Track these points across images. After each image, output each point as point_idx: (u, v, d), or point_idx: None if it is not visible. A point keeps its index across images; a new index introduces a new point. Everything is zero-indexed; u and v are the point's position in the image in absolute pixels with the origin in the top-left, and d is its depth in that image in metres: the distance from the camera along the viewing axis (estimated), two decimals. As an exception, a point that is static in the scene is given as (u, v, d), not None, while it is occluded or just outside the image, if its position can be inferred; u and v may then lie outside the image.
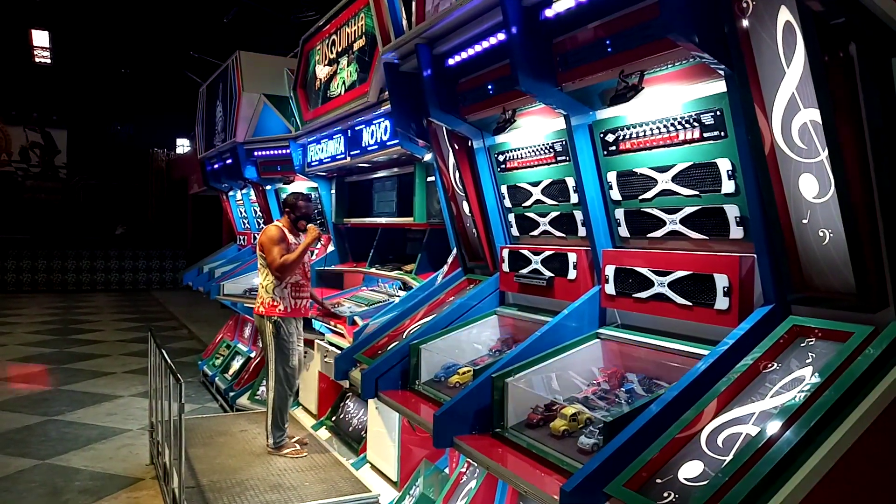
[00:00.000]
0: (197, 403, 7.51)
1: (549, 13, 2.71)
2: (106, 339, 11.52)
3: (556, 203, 3.30)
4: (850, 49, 1.82)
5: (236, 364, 7.75)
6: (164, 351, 4.79)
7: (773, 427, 1.74)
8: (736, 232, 2.39)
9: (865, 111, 1.84)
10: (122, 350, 10.54)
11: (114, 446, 5.97)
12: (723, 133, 2.36)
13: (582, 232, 3.17)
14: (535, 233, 3.52)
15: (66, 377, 8.62)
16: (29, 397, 7.61)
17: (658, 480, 1.82)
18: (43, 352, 10.33)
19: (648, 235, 2.77)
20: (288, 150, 6.96)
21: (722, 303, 2.37)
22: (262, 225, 8.51)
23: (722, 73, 2.18)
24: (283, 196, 6.42)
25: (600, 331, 2.92)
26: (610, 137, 2.82)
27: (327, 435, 5.57)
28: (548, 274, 3.31)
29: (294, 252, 5.00)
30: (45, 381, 8.40)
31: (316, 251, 6.50)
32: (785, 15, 1.92)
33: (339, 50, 5.80)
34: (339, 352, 4.52)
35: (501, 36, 3.03)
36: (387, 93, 4.61)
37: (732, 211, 2.38)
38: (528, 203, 3.49)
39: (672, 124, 2.54)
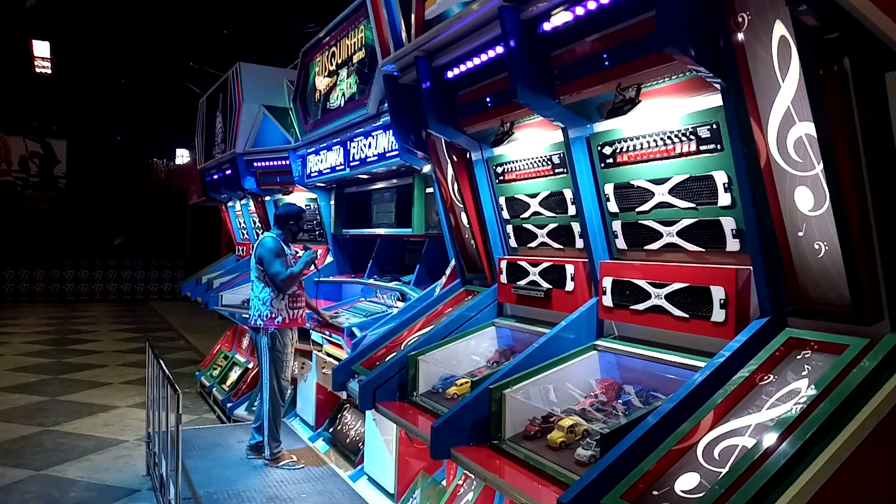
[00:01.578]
0: (194, 414, 7.49)
1: (546, 27, 2.73)
2: (103, 350, 11.49)
3: (553, 215, 3.32)
4: (845, 63, 1.84)
5: (234, 375, 7.73)
6: (161, 361, 4.78)
7: (770, 439, 1.74)
8: (732, 244, 2.40)
9: (860, 125, 1.86)
10: (120, 360, 10.51)
11: (110, 457, 5.94)
12: (719, 146, 2.37)
13: (579, 244, 3.18)
14: (533, 244, 3.53)
15: (62, 387, 8.59)
16: (25, 407, 7.58)
17: (655, 492, 1.82)
18: (40, 362, 10.30)
19: (645, 247, 2.78)
20: (287, 161, 6.98)
21: (718, 315, 2.38)
22: (260, 235, 8.51)
23: (718, 86, 2.20)
24: (280, 206, 6.44)
25: (598, 342, 2.93)
26: (607, 150, 2.84)
27: (324, 446, 5.55)
28: (545, 285, 3.32)
29: (296, 267, 5.07)
30: (42, 391, 8.37)
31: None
32: (780, 29, 1.94)
33: (339, 62, 5.83)
34: (336, 363, 4.52)
35: (500, 49, 3.05)
36: (386, 105, 4.63)
37: (729, 223, 2.39)
38: (526, 215, 3.50)
39: (669, 137, 2.55)
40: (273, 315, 5.05)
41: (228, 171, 8.18)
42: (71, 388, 8.54)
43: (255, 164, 7.57)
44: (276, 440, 5.12)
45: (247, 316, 7.18)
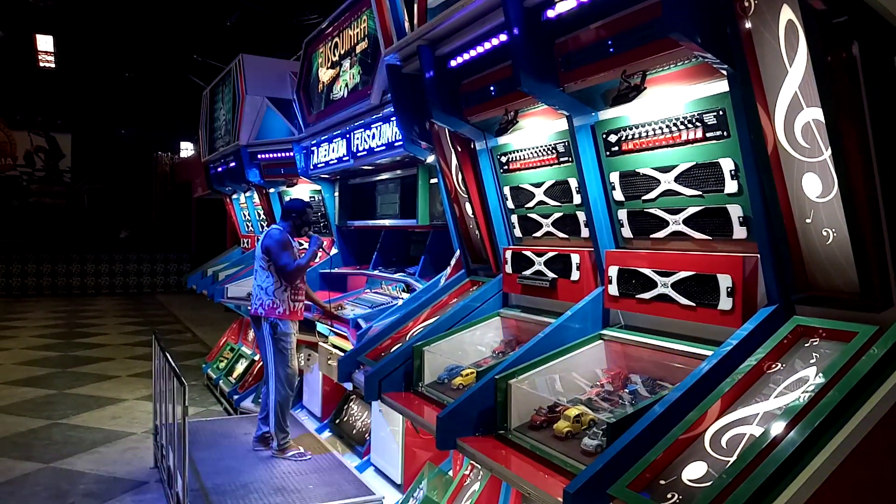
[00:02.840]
0: (201, 406, 7.52)
1: (550, 14, 2.71)
2: (110, 343, 11.54)
3: (558, 204, 3.30)
4: (853, 48, 1.82)
5: (240, 367, 7.75)
6: (168, 354, 4.80)
7: (778, 428, 1.73)
8: (739, 232, 2.38)
9: (868, 110, 1.84)
10: (127, 353, 10.56)
11: (118, 449, 5.97)
12: (725, 133, 2.35)
13: (585, 233, 3.16)
14: (538, 234, 3.52)
15: (70, 381, 8.63)
16: (34, 401, 7.63)
17: (662, 482, 1.82)
18: (48, 355, 10.35)
19: (651, 236, 2.76)
20: (291, 153, 6.96)
21: (725, 303, 2.37)
22: (265, 227, 8.51)
23: (724, 72, 2.17)
24: (287, 200, 6.45)
25: (604, 332, 2.92)
26: (612, 138, 2.81)
27: (331, 437, 5.57)
28: (551, 275, 3.31)
29: (304, 259, 5.12)
30: (50, 384, 8.41)
31: (319, 256, 6.54)
32: (787, 14, 1.91)
33: (342, 52, 5.80)
34: (342, 354, 4.53)
35: (503, 37, 3.02)
36: (389, 95, 4.62)
37: (735, 211, 2.37)
38: (530, 204, 3.49)
39: (675, 124, 2.53)
40: (274, 305, 5.10)
41: (233, 164, 8.18)
42: (79, 382, 8.58)
43: (259, 156, 7.56)
44: (284, 431, 5.14)
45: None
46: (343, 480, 4.62)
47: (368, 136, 5.32)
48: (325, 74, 6.20)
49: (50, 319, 14.37)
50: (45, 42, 21.12)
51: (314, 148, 6.51)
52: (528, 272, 3.46)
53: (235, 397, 7.08)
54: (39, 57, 21.12)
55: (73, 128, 22.77)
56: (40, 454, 5.80)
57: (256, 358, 7.51)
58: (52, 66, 21.31)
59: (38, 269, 19.26)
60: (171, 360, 4.62)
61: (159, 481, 5.15)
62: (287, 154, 7.11)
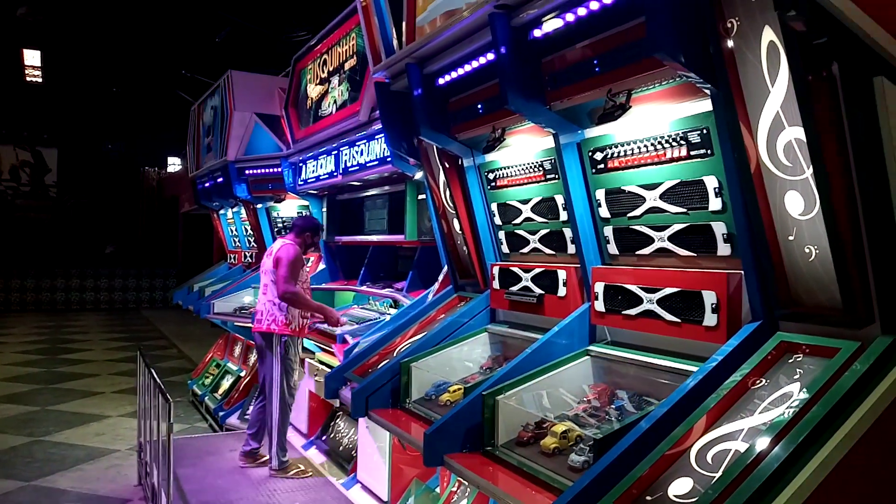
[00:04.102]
0: (186, 423, 7.45)
1: (537, 33, 2.74)
2: (95, 359, 11.42)
3: (545, 221, 3.32)
4: (833, 68, 1.85)
5: (226, 383, 7.69)
6: (153, 370, 4.75)
7: (763, 443, 1.74)
8: (723, 249, 2.41)
9: (849, 129, 1.87)
10: (112, 370, 10.45)
11: (101, 467, 5.90)
12: (709, 151, 2.38)
13: (571, 249, 3.18)
14: (525, 250, 3.54)
15: (53, 397, 8.53)
16: (15, 417, 7.52)
17: (648, 497, 1.82)
18: (31, 371, 10.22)
19: (637, 252, 2.78)
20: (279, 169, 6.97)
21: (710, 319, 2.38)
22: (252, 243, 8.49)
23: (708, 92, 2.21)
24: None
25: (590, 348, 2.93)
26: (598, 155, 2.84)
27: (317, 455, 5.53)
28: (538, 291, 3.32)
29: (310, 300, 5.14)
30: (33, 401, 8.31)
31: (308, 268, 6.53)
32: (769, 35, 1.95)
33: (331, 69, 5.83)
34: (329, 370, 4.51)
35: (491, 56, 3.05)
36: (378, 112, 4.64)
37: (720, 228, 2.40)
38: (517, 221, 3.51)
39: (659, 142, 2.56)
40: (288, 321, 5.08)
41: (220, 179, 8.16)
42: (62, 398, 8.48)
43: (247, 171, 7.56)
44: (284, 449, 5.11)
45: (240, 324, 7.16)
46: (329, 498, 4.59)
47: (357, 152, 5.34)
48: (313, 91, 6.22)
49: (34, 335, 14.21)
50: (32, 56, 21.06)
51: (302, 164, 6.52)
52: (515, 288, 3.47)
53: (221, 413, 7.02)
54: (26, 71, 21.06)
55: (59, 142, 22.65)
56: (21, 472, 5.72)
57: (242, 374, 7.46)
58: (39, 80, 21.24)
59: (23, 284, 19.05)
60: (155, 376, 4.58)
61: (143, 499, 5.09)
62: (275, 170, 7.11)
